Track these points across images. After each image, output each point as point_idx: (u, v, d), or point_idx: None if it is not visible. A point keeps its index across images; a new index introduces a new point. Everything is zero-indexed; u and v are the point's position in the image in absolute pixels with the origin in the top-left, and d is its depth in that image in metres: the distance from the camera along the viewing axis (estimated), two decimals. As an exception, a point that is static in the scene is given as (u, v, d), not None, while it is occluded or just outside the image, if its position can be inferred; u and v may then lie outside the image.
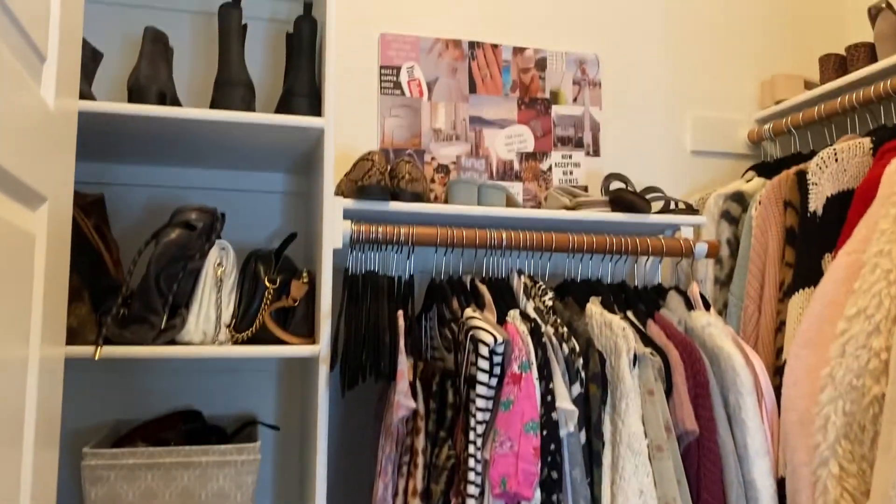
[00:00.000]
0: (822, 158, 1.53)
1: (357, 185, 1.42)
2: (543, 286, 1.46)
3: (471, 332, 1.25)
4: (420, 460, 1.25)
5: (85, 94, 1.27)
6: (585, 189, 1.88)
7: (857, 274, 1.20)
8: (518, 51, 1.88)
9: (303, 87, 1.39)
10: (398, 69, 1.79)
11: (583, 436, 1.27)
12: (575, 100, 1.91)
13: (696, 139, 1.99)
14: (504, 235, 1.46)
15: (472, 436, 1.20)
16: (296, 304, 1.35)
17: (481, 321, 1.26)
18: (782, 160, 1.85)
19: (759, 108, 2.05)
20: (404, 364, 1.27)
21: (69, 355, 1.14)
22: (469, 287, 1.46)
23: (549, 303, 1.42)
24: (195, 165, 1.61)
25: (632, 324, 1.41)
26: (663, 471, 1.24)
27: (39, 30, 0.82)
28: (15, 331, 0.77)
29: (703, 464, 1.29)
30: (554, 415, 1.23)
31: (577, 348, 1.31)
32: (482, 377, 1.22)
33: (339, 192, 1.49)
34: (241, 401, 1.62)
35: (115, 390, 1.55)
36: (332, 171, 1.33)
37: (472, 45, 1.85)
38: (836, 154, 1.50)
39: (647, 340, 1.37)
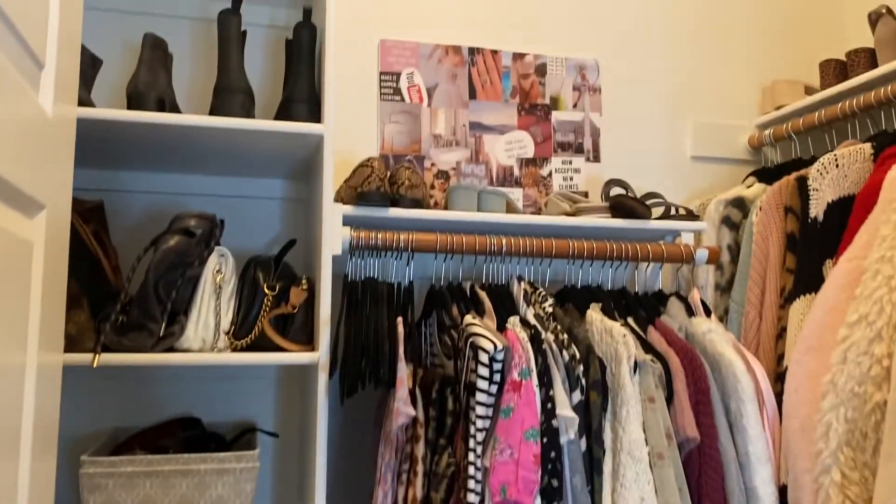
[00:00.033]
0: (822, 164, 1.52)
1: (356, 191, 1.42)
2: (543, 292, 1.46)
3: (470, 339, 1.24)
4: (420, 468, 1.24)
5: (84, 101, 1.27)
6: (586, 195, 1.87)
7: (858, 280, 1.20)
8: (518, 56, 1.88)
9: (302, 93, 1.39)
10: (398, 75, 1.79)
11: (583, 443, 1.26)
12: (575, 105, 1.91)
13: (697, 144, 1.99)
14: (504, 241, 1.46)
15: (471, 443, 1.19)
16: (295, 310, 1.34)
17: (481, 328, 1.26)
18: (783, 166, 1.84)
19: (759, 114, 2.05)
20: (404, 371, 1.26)
21: (68, 363, 1.13)
22: (469, 293, 1.45)
23: (550, 309, 1.42)
24: (194, 172, 1.60)
25: (632, 330, 1.41)
26: (664, 478, 1.24)
27: (37, 37, 0.82)
28: (12, 338, 0.76)
29: (704, 471, 1.29)
30: (554, 422, 1.22)
31: (578, 355, 1.31)
32: (482, 384, 1.21)
33: (339, 198, 1.49)
34: (240, 408, 1.62)
35: (114, 397, 1.55)
36: (332, 177, 1.33)
37: (471, 50, 1.85)
38: (836, 160, 1.50)
39: (647, 347, 1.37)
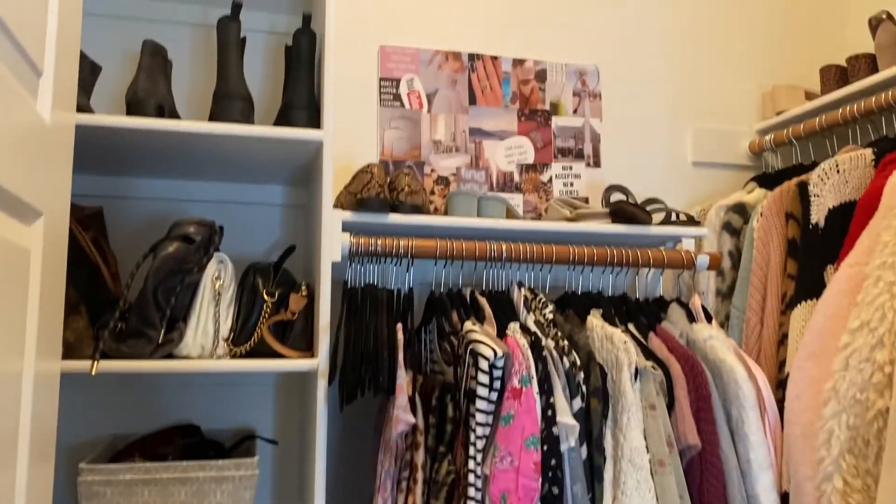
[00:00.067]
0: (823, 170, 1.52)
1: (356, 197, 1.42)
2: (544, 299, 1.45)
3: (470, 346, 1.24)
4: (419, 475, 1.24)
5: (83, 108, 1.27)
6: (586, 200, 1.87)
7: (859, 286, 1.19)
8: (518, 62, 1.88)
9: (302, 99, 1.39)
10: (398, 81, 1.79)
11: (584, 451, 1.26)
12: (575, 111, 1.90)
13: (697, 150, 1.99)
14: (504, 247, 1.45)
15: (471, 451, 1.18)
16: (294, 317, 1.34)
17: (481, 334, 1.26)
18: (784, 171, 1.84)
19: (760, 119, 2.05)
20: (403, 378, 1.26)
21: (66, 370, 1.13)
22: (469, 300, 1.45)
23: (550, 315, 1.42)
24: (194, 178, 1.60)
25: (633, 337, 1.40)
26: (665, 486, 1.23)
27: (35, 44, 0.82)
28: (9, 346, 0.76)
29: (705, 478, 1.28)
30: (555, 429, 1.22)
31: (578, 362, 1.30)
32: (482, 391, 1.20)
33: (339, 204, 1.49)
34: (239, 415, 1.61)
35: (113, 404, 1.54)
36: (331, 183, 1.32)
37: (471, 56, 1.85)
38: (837, 165, 1.50)
39: (648, 354, 1.36)
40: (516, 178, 1.84)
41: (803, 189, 1.58)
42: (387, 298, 1.40)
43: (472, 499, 1.16)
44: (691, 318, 1.49)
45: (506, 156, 1.84)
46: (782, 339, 1.54)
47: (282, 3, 1.64)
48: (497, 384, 1.22)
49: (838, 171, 1.49)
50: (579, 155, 1.89)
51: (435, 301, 1.46)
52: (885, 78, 1.62)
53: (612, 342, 1.33)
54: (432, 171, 1.78)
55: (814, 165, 1.67)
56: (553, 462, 1.20)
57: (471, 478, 1.17)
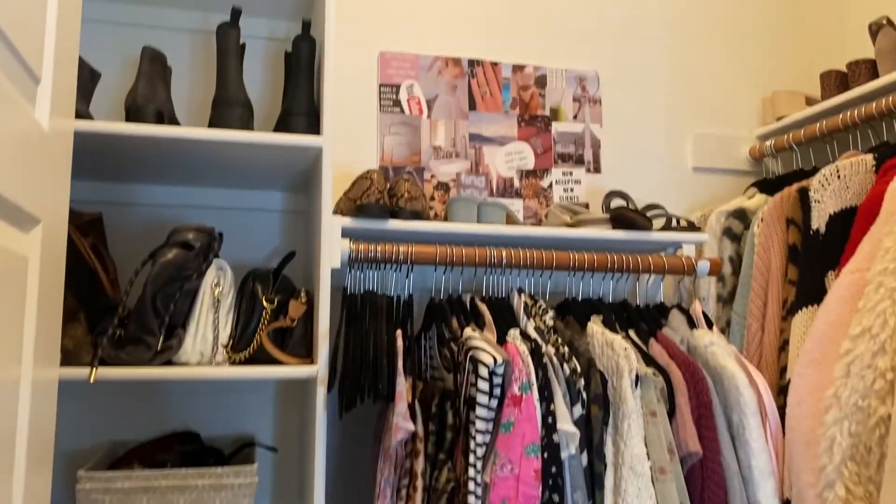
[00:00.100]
0: (824, 175, 1.52)
1: (356, 203, 1.42)
2: (544, 305, 1.45)
3: (470, 353, 1.23)
4: (419, 483, 1.23)
5: (83, 114, 1.27)
6: (586, 206, 1.87)
7: (861, 292, 1.19)
8: (518, 68, 1.88)
9: (301, 105, 1.39)
10: (398, 87, 1.79)
11: (584, 458, 1.25)
12: (575, 117, 1.90)
13: (698, 156, 1.98)
14: (504, 253, 1.45)
15: (471, 458, 1.18)
16: (294, 324, 1.33)
17: (481, 341, 1.25)
18: (784, 176, 1.84)
19: (760, 125, 2.04)
20: (402, 385, 1.25)
21: (64, 377, 1.13)
22: (469, 306, 1.45)
23: (550, 322, 1.41)
24: (194, 184, 1.60)
25: (634, 343, 1.40)
26: (666, 493, 1.22)
27: (33, 51, 0.81)
28: (6, 353, 0.76)
29: (707, 486, 1.27)
30: (555, 437, 1.21)
31: (579, 368, 1.30)
32: (482, 398, 1.20)
33: (338, 210, 1.48)
34: (238, 422, 1.60)
35: (112, 411, 1.54)
36: (331, 189, 1.32)
37: (471, 62, 1.85)
38: (838, 171, 1.49)
39: (649, 360, 1.36)
40: (516, 183, 1.83)
41: (804, 195, 1.58)
42: (386, 305, 1.40)
43: (472, 506, 1.16)
44: (692, 324, 1.49)
45: (506, 161, 1.83)
46: (783, 346, 1.53)
47: (281, 10, 1.64)
48: (497, 391, 1.21)
49: (839, 177, 1.49)
50: (579, 160, 1.89)
51: (435, 307, 1.45)
52: (885, 83, 1.62)
53: (613, 348, 1.32)
54: (432, 176, 1.78)
55: (814, 171, 1.67)
56: (553, 469, 1.20)
57: (471, 485, 1.16)
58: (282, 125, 1.40)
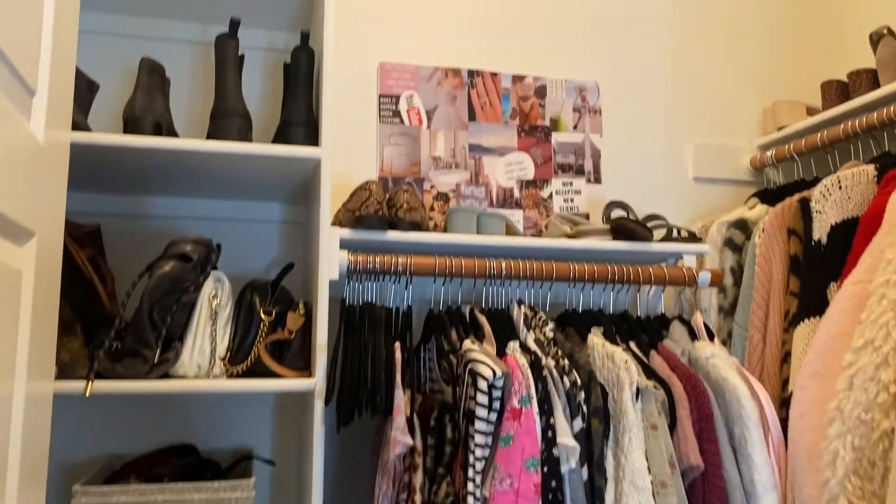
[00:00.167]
0: (825, 186, 1.51)
1: (354, 214, 1.41)
2: (544, 317, 1.44)
3: (469, 366, 1.22)
4: (418, 498, 1.22)
5: (80, 126, 1.26)
6: (587, 217, 1.86)
7: (863, 304, 1.18)
8: (517, 79, 1.87)
9: (300, 116, 1.38)
10: (397, 98, 1.78)
11: (585, 472, 1.24)
12: (575, 127, 1.90)
13: (698, 166, 1.98)
14: (504, 264, 1.44)
15: (470, 472, 1.17)
16: (292, 336, 1.32)
17: (480, 354, 1.24)
18: (785, 187, 1.83)
19: (761, 135, 2.04)
20: (401, 399, 1.24)
21: (60, 391, 1.12)
22: (468, 318, 1.44)
23: (550, 334, 1.40)
24: (192, 195, 1.59)
25: (634, 355, 1.39)
26: (668, 508, 1.21)
27: (28, 63, 0.81)
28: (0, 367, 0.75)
29: (708, 500, 1.26)
30: (555, 451, 1.20)
31: (579, 381, 1.29)
32: (481, 412, 1.19)
33: (337, 221, 1.48)
34: (236, 435, 1.59)
35: (109, 424, 1.53)
36: (329, 201, 1.31)
37: (471, 73, 1.84)
38: (839, 181, 1.49)
39: (650, 373, 1.34)
40: (516, 194, 1.83)
41: (805, 205, 1.57)
42: (385, 316, 1.39)
43: (472, 521, 1.15)
44: (693, 335, 1.48)
45: (506, 172, 1.83)
46: (785, 357, 1.52)
47: (280, 21, 1.64)
48: (496, 404, 1.20)
49: (840, 188, 1.48)
50: (580, 171, 1.88)
51: (434, 319, 1.44)
52: (886, 93, 1.61)
53: (614, 361, 1.31)
54: (432, 187, 1.77)
55: (815, 181, 1.66)
56: (553, 484, 1.18)
57: (470, 500, 1.15)
58: (280, 136, 1.39)
